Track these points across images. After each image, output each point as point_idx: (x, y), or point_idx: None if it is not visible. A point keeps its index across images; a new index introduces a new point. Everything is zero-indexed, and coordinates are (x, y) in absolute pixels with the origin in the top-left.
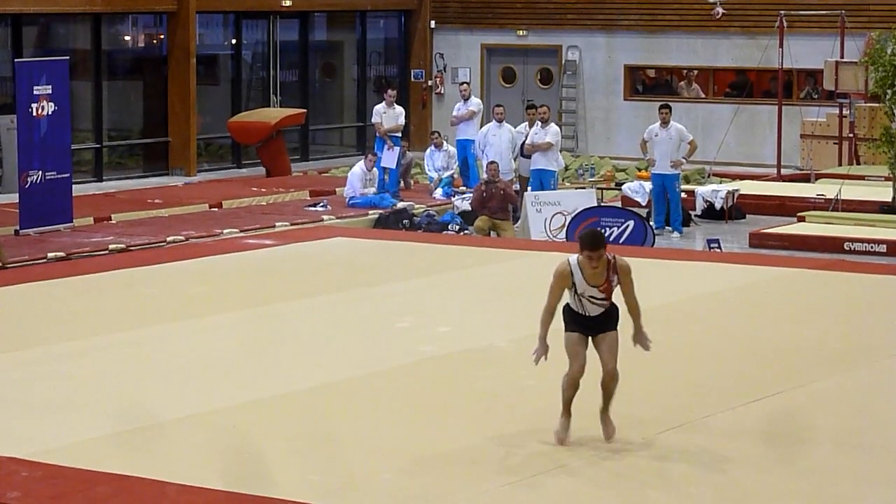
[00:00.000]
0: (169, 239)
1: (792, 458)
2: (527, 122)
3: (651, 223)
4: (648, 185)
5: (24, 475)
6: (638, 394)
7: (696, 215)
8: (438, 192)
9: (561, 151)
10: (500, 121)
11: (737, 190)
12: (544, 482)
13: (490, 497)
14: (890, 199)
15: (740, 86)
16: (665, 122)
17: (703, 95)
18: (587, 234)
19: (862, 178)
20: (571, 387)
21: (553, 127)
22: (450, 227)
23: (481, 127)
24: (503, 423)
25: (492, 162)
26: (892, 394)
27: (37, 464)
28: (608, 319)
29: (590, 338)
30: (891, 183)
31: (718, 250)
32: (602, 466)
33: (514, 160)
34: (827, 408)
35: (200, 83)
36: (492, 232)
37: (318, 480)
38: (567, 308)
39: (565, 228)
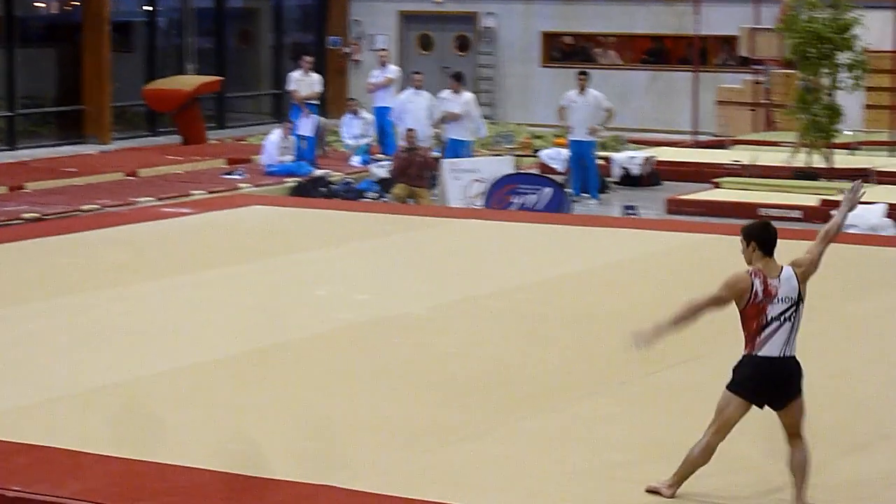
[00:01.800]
0: (84, 208)
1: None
2: (451, 90)
3: (568, 190)
4: (565, 152)
5: None
6: (556, 360)
7: (612, 182)
8: (356, 160)
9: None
10: (418, 88)
11: (653, 156)
12: (460, 449)
13: (403, 463)
14: (804, 165)
15: (656, 53)
16: (582, 89)
17: (620, 62)
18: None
19: (777, 144)
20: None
21: (465, 95)
22: (367, 194)
23: (399, 94)
24: (421, 389)
25: (410, 129)
26: (808, 356)
27: None
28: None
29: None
30: (806, 149)
31: (635, 216)
32: (518, 428)
33: (435, 127)
34: None
35: (115, 50)
36: (410, 199)
37: (233, 449)
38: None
39: (483, 195)
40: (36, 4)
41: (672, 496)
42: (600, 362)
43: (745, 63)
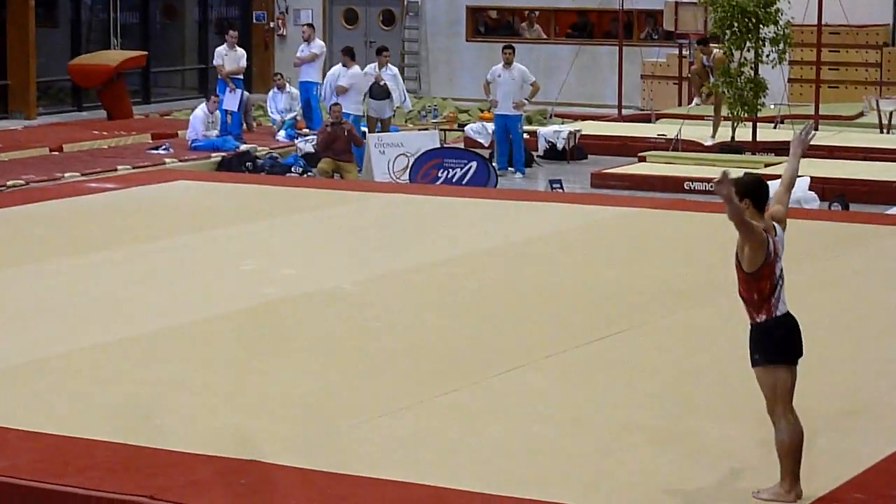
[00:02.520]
0: (9, 183)
1: (632, 393)
2: (376, 64)
3: (494, 164)
4: (491, 126)
5: None
6: (481, 334)
7: (538, 156)
8: (281, 135)
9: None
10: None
11: (579, 130)
12: (383, 423)
13: (326, 438)
14: (729, 139)
15: (581, 27)
16: (508, 63)
17: (545, 36)
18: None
19: (702, 118)
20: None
21: (356, 69)
22: (293, 169)
23: (324, 69)
24: (348, 364)
25: (335, 104)
26: (731, 330)
27: None
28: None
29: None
30: (730, 122)
31: (560, 190)
32: (443, 402)
33: (363, 102)
34: (668, 345)
35: (39, 25)
36: (335, 174)
37: (159, 424)
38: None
39: (408, 170)
40: None
41: (800, 496)
42: (526, 336)
43: (669, 37)
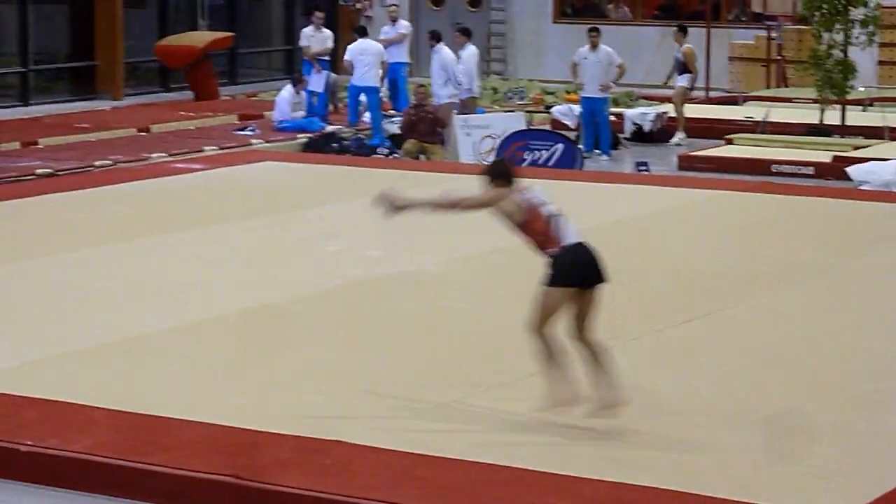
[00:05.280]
0: (96, 163)
1: (717, 377)
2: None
3: (580, 146)
4: (577, 108)
5: None
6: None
7: (624, 138)
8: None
9: (490, 74)
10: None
11: (665, 113)
12: (470, 404)
13: (410, 418)
14: (817, 122)
15: (668, 8)
16: (594, 46)
17: (632, 18)
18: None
19: (789, 100)
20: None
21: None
22: (379, 150)
23: (411, 50)
24: (429, 345)
25: (420, 85)
26: (816, 313)
27: None
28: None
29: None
30: (818, 105)
31: (647, 173)
32: (528, 384)
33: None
34: (754, 327)
35: (127, 6)
36: (421, 155)
37: (244, 403)
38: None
39: (494, 152)
40: None
41: (566, 399)
42: (609, 319)
43: (757, 19)
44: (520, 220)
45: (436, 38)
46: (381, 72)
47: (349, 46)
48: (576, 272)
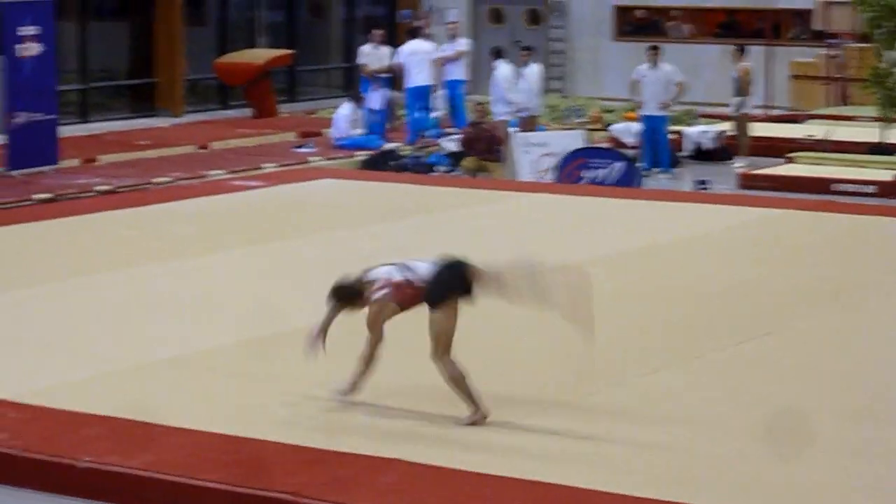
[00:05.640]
0: (155, 181)
1: (779, 396)
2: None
3: (639, 164)
4: (637, 126)
5: (13, 416)
6: (626, 335)
7: (684, 156)
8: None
9: (549, 92)
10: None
11: (725, 131)
12: (528, 424)
13: (473, 437)
14: (878, 140)
15: (729, 26)
16: (654, 63)
17: (692, 36)
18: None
19: (851, 118)
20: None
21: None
22: (437, 168)
23: (470, 67)
24: (490, 364)
25: (479, 103)
26: (879, 332)
27: (25, 405)
28: None
29: None
30: (879, 123)
31: (707, 191)
32: (587, 403)
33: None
34: (815, 347)
35: (187, 24)
36: (480, 173)
37: (302, 421)
38: None
39: (553, 170)
40: None
41: (486, 414)
42: (667, 338)
43: (818, 37)
44: (396, 307)
45: (497, 54)
46: (434, 71)
47: (400, 48)
48: (457, 282)
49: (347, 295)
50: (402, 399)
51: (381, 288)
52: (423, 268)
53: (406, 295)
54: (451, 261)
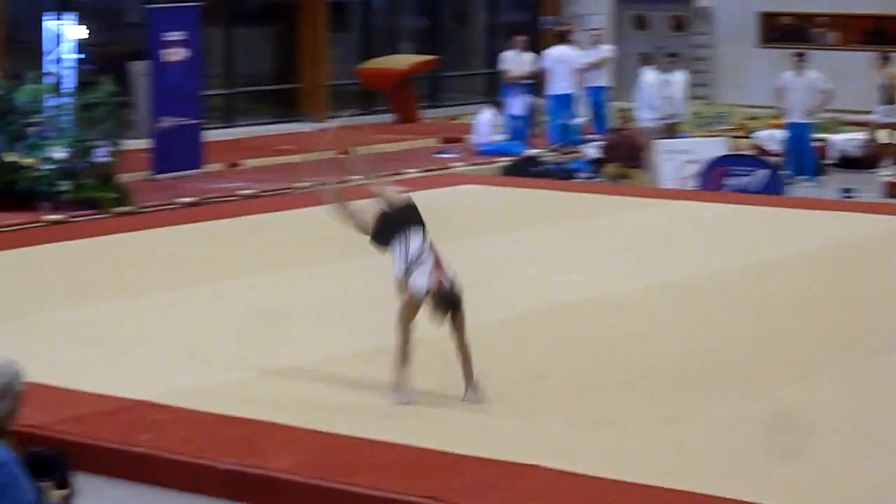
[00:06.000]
0: (297, 185)
1: None
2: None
3: (783, 172)
4: (781, 134)
5: (157, 418)
6: (775, 343)
7: (829, 164)
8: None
9: (691, 99)
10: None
11: (871, 139)
12: (666, 431)
13: (606, 445)
14: None
15: (878, 33)
16: (799, 70)
17: (838, 43)
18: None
19: None
20: None
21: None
22: (579, 174)
23: (613, 73)
24: (627, 371)
25: (622, 110)
26: None
27: (168, 407)
28: None
29: None
30: None
31: (853, 200)
32: (723, 413)
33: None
34: None
35: (331, 30)
36: (622, 179)
37: (444, 427)
38: None
39: (696, 177)
40: None
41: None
42: (810, 347)
43: None
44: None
45: (645, 61)
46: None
47: (546, 52)
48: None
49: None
50: (539, 407)
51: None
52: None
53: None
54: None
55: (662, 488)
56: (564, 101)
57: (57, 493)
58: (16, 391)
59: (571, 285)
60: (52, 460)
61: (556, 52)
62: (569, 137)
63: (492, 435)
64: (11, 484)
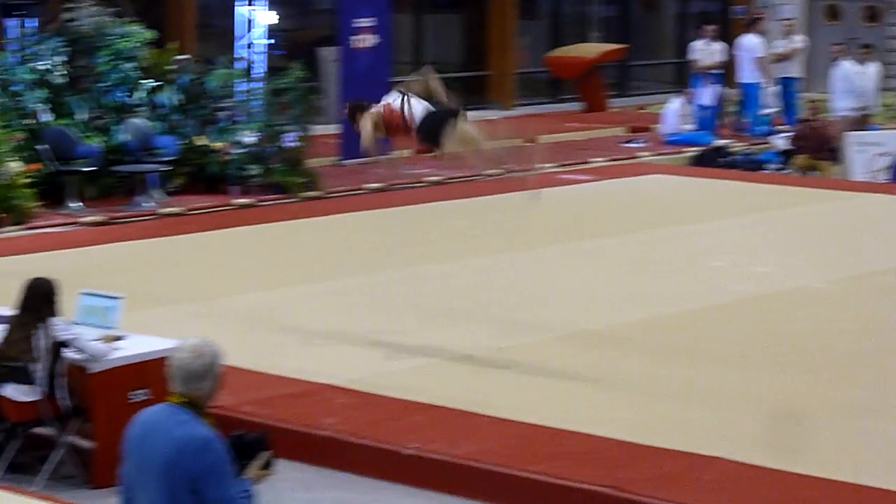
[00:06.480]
0: (485, 172)
1: None
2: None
3: None
4: None
5: (341, 402)
6: None
7: None
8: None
9: (884, 91)
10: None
11: None
12: (856, 426)
13: (799, 438)
14: None
15: None
16: None
17: None
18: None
19: None
20: None
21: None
22: (768, 165)
23: (805, 65)
24: (819, 364)
25: (812, 101)
26: None
27: (353, 391)
28: None
29: None
30: None
31: None
32: None
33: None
34: None
35: (520, 17)
36: (812, 171)
37: (626, 416)
38: None
39: (887, 169)
40: None
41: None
42: None
43: None
44: (380, 120)
45: (841, 51)
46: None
47: (737, 40)
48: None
49: (358, 110)
50: (723, 399)
51: (377, 105)
52: (419, 110)
53: (393, 118)
54: (440, 109)
55: (845, 483)
56: (753, 91)
57: (257, 474)
58: (216, 371)
59: (759, 277)
60: (255, 443)
61: (746, 41)
62: (757, 127)
63: (674, 426)
64: (220, 462)
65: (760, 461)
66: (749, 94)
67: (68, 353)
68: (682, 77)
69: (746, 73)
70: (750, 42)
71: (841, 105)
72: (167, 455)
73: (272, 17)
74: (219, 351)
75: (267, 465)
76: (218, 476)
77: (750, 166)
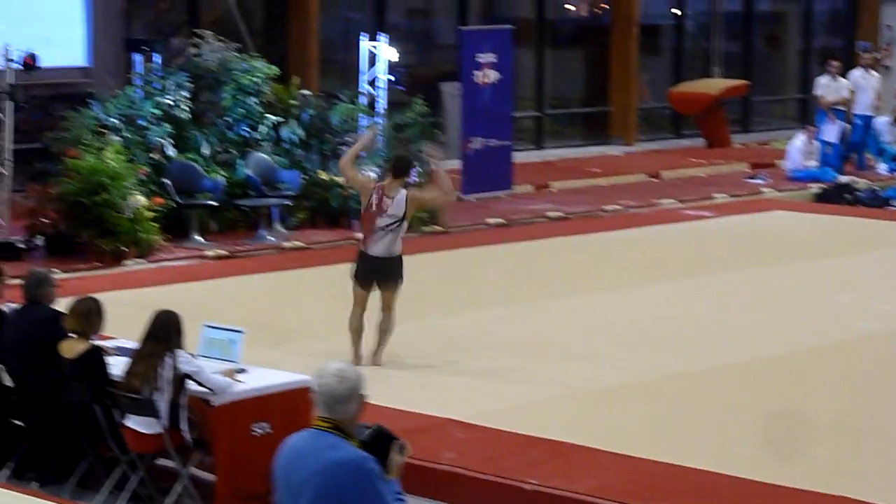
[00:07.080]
0: (606, 208)
1: None
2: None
3: None
4: None
5: (461, 436)
6: None
7: None
8: (883, 167)
9: None
10: None
11: None
12: None
13: None
14: None
15: None
16: None
17: None
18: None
19: None
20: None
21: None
22: (894, 202)
23: None
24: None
25: None
26: None
27: (473, 426)
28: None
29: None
30: None
31: None
32: None
33: None
34: None
35: (642, 52)
36: None
37: (742, 452)
38: None
39: None
40: (566, 7)
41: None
42: None
43: None
44: (363, 209)
45: None
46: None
47: (851, 72)
48: (359, 273)
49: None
50: (848, 437)
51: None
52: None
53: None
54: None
55: None
56: (865, 125)
57: (399, 465)
58: (359, 395)
59: (883, 314)
60: (381, 437)
61: (857, 74)
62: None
63: (799, 464)
64: (375, 481)
65: (887, 502)
66: (863, 128)
67: (191, 386)
68: (806, 113)
69: (860, 107)
70: (862, 76)
71: None
72: (321, 479)
73: (394, 53)
74: (361, 375)
75: (401, 452)
76: (375, 496)
77: (876, 203)
